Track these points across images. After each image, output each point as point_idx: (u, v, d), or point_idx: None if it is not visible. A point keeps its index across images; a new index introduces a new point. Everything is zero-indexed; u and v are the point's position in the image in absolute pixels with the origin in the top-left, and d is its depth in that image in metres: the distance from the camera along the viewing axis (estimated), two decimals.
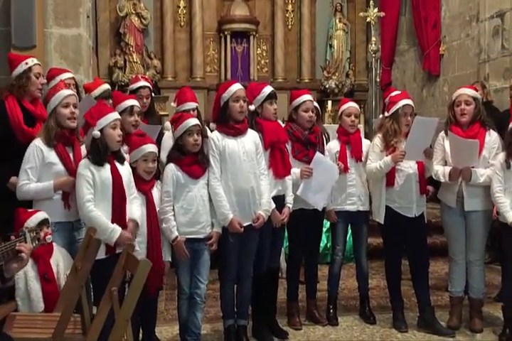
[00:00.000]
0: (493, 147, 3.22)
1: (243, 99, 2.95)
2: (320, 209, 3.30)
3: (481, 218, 3.24)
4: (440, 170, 3.26)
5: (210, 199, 2.89)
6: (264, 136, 3.07)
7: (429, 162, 3.27)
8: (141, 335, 2.93)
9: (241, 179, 2.90)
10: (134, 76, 5.31)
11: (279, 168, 3.09)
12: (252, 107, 3.09)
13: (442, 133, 3.33)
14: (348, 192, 3.43)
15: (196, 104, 3.51)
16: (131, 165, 2.77)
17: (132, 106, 3.07)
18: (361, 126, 5.72)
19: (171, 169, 2.83)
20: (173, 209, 2.82)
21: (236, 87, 2.96)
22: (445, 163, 3.30)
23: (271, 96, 3.13)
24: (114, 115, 2.69)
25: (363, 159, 3.43)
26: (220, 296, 3.11)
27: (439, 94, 7.04)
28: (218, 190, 2.87)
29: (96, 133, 2.59)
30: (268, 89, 3.14)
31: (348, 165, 3.42)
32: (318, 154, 3.24)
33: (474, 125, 3.24)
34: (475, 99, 3.26)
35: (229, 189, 2.90)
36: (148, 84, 3.86)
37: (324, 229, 4.31)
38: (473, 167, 3.17)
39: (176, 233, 2.80)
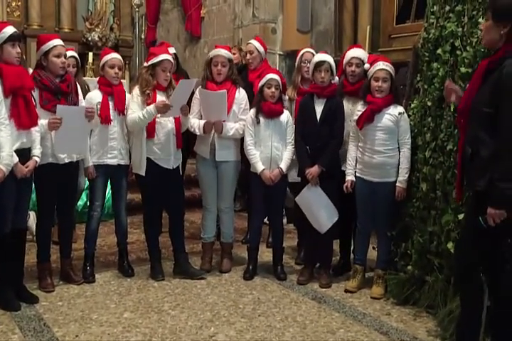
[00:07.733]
0: (241, 103, 3.50)
1: None
2: (82, 154, 3.19)
3: (230, 168, 3.52)
4: (196, 124, 3.44)
5: None
6: (4, 81, 2.72)
7: (184, 118, 3.39)
8: None
9: None
10: None
11: (22, 118, 2.78)
12: None
13: (199, 89, 3.47)
14: (110, 146, 3.34)
15: None
16: None
17: None
18: (125, 82, 5.59)
19: None
20: None
21: None
22: (201, 117, 3.47)
23: (13, 38, 2.78)
24: None
25: (125, 112, 3.36)
26: None
27: (200, 55, 7.29)
28: None
29: None
30: (10, 30, 2.78)
31: (111, 117, 3.31)
32: (58, 106, 3.01)
33: (227, 82, 3.47)
34: (230, 60, 3.50)
35: None
36: None
37: (84, 186, 4.14)
38: (224, 121, 3.41)
39: None
